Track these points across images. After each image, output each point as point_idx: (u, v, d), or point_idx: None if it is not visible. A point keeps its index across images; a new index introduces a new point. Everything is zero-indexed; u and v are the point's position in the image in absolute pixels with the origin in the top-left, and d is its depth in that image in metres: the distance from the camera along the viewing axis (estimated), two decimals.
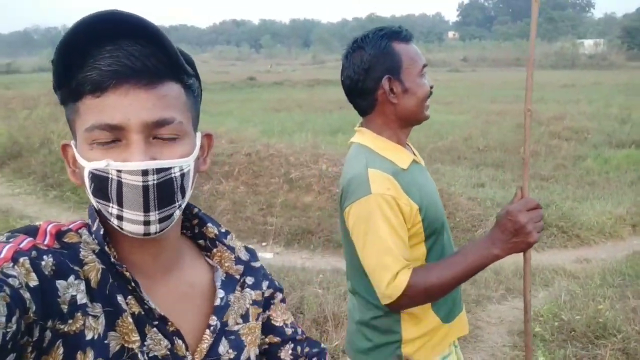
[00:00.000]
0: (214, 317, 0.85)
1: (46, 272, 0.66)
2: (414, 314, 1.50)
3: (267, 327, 0.97)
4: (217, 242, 0.92)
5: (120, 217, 0.72)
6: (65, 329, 0.67)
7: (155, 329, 0.76)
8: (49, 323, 0.65)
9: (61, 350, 0.66)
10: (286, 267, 4.86)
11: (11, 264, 0.64)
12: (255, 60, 61.38)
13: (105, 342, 0.71)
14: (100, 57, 0.69)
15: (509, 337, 3.66)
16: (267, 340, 0.96)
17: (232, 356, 0.85)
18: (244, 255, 0.95)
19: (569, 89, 20.27)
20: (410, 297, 1.37)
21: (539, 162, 8.92)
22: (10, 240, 0.69)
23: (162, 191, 0.72)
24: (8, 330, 0.57)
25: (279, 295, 0.99)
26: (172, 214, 0.75)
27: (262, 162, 7.33)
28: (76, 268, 0.70)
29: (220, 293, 0.87)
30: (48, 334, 0.65)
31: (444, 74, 31.24)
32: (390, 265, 1.36)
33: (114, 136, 0.71)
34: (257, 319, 0.92)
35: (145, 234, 0.73)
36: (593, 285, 4.26)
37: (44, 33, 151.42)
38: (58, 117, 9.87)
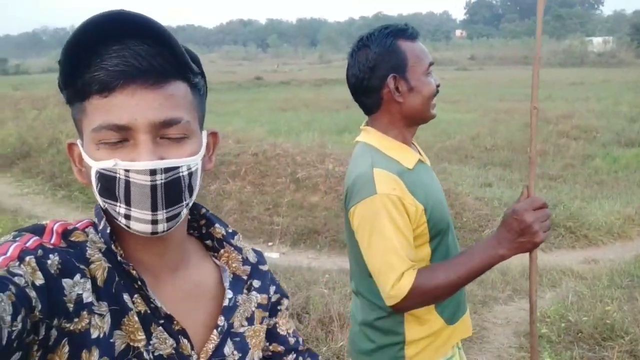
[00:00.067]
0: (222, 318, 0.85)
1: (52, 271, 0.67)
2: (417, 315, 1.49)
3: (272, 335, 0.96)
4: (225, 243, 0.92)
5: (128, 216, 0.72)
6: (71, 328, 0.67)
7: (161, 327, 0.77)
8: (55, 321, 0.65)
9: (67, 348, 0.67)
10: (292, 267, 4.87)
11: (17, 263, 0.64)
12: (262, 60, 61.43)
13: (111, 340, 0.71)
14: (107, 56, 0.69)
15: (515, 338, 3.65)
16: (270, 347, 0.96)
17: (236, 358, 0.85)
18: (252, 257, 0.95)
19: (578, 87, 20.13)
20: (415, 298, 1.37)
21: (547, 161, 8.87)
22: (17, 239, 0.69)
23: (170, 190, 0.72)
24: (14, 329, 0.57)
25: (285, 302, 1.00)
26: (179, 213, 0.75)
27: (269, 162, 7.34)
28: (82, 267, 0.71)
29: (229, 294, 0.87)
30: (54, 332, 0.65)
31: (452, 72, 31.11)
32: (396, 265, 1.35)
33: (121, 136, 0.71)
34: (261, 322, 0.92)
35: (152, 233, 0.73)
36: (601, 286, 4.23)
37: (53, 34, 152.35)
38: (67, 118, 9.92)
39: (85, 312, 0.69)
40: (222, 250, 0.92)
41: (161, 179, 0.71)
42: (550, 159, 9.02)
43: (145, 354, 0.74)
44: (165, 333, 0.77)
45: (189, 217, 0.90)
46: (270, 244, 5.72)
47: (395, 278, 1.35)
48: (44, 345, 0.64)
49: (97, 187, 0.73)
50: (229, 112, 14.40)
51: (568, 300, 3.98)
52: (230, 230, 0.93)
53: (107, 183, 0.72)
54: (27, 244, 0.68)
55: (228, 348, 0.85)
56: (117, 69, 0.69)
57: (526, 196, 1.36)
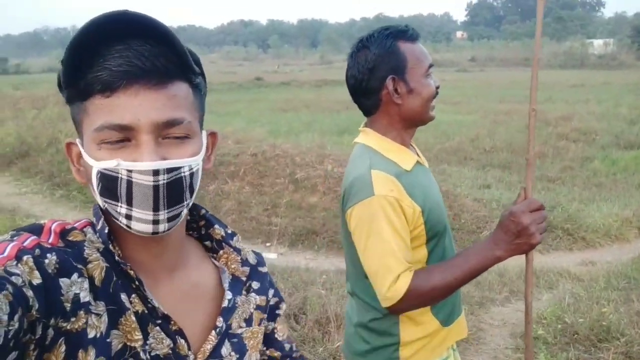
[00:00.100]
0: (221, 319, 0.85)
1: (49, 270, 0.67)
2: (412, 316, 1.49)
3: (270, 340, 0.97)
4: (224, 244, 0.92)
5: (129, 217, 0.72)
6: (68, 327, 0.67)
7: (158, 327, 0.77)
8: (52, 321, 0.65)
9: (63, 348, 0.67)
10: (290, 267, 4.87)
11: (15, 262, 0.64)
12: (263, 61, 61.43)
13: (108, 340, 0.71)
14: (110, 56, 0.70)
15: (511, 340, 3.65)
16: (267, 352, 0.96)
17: (234, 359, 0.85)
18: (252, 259, 0.95)
19: (578, 89, 20.13)
20: (412, 300, 1.37)
21: (546, 163, 8.88)
22: (15, 238, 0.69)
23: (172, 190, 0.73)
24: (10, 328, 0.57)
25: (283, 307, 1.00)
26: (180, 213, 0.76)
27: (268, 163, 7.34)
28: (80, 266, 0.71)
29: (228, 295, 0.87)
30: (50, 331, 0.65)
31: (452, 74, 31.11)
32: (392, 267, 1.35)
33: (123, 136, 0.71)
34: (259, 324, 0.92)
35: (153, 233, 0.74)
36: (597, 288, 4.23)
37: (54, 34, 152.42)
38: (66, 117, 9.92)
39: (82, 312, 0.69)
40: (221, 251, 0.92)
41: (164, 180, 0.71)
42: (549, 161, 9.02)
43: (142, 354, 0.74)
44: (162, 333, 0.77)
45: (188, 217, 0.90)
46: (268, 244, 5.72)
47: (391, 280, 1.35)
48: (41, 345, 0.64)
49: (97, 187, 0.73)
50: (230, 113, 14.41)
51: (565, 301, 3.98)
52: (229, 231, 0.93)
53: (109, 183, 0.72)
54: (25, 244, 0.68)
55: (226, 349, 0.85)
56: (120, 69, 0.69)
57: (523, 198, 1.36)
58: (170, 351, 0.77)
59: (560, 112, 12.79)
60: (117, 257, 0.75)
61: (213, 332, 0.84)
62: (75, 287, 0.69)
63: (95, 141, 0.72)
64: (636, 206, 6.41)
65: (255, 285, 0.93)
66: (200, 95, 0.80)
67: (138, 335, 0.74)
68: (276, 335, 0.98)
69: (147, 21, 0.71)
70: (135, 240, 0.78)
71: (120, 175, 0.71)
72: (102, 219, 0.78)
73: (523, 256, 1.39)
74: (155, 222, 0.73)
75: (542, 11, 1.34)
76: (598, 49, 46.17)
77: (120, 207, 0.72)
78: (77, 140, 0.77)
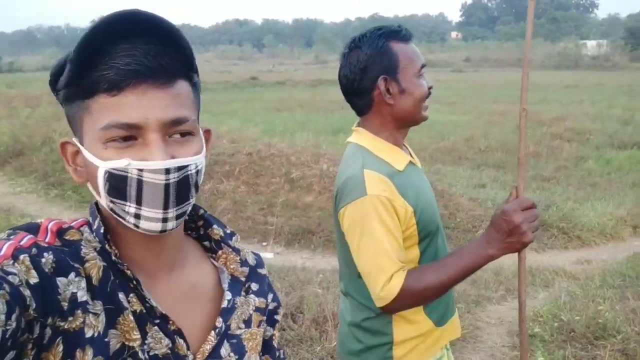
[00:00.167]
0: (220, 319, 0.85)
1: (46, 270, 0.66)
2: (405, 316, 1.49)
3: (268, 346, 0.96)
4: (223, 244, 0.91)
5: (137, 216, 0.72)
6: (65, 327, 0.67)
7: (156, 327, 0.76)
8: (49, 320, 0.65)
9: (61, 347, 0.66)
10: (286, 267, 4.87)
11: (11, 262, 0.64)
12: (258, 60, 61.37)
13: (106, 340, 0.70)
14: (116, 55, 0.69)
15: (508, 338, 3.66)
16: (263, 358, 0.96)
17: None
18: (251, 260, 0.95)
19: (572, 90, 20.24)
20: (405, 300, 1.37)
21: (541, 163, 8.92)
22: (11, 237, 0.68)
23: (181, 188, 0.73)
24: (8, 327, 0.57)
25: (281, 312, 1.00)
26: (186, 210, 0.76)
27: (263, 162, 7.33)
28: (77, 265, 0.70)
29: (228, 295, 0.87)
30: (48, 331, 0.65)
31: (447, 74, 31.20)
32: (386, 267, 1.35)
33: (130, 135, 0.71)
34: (258, 326, 0.92)
35: (161, 231, 0.74)
36: (593, 286, 4.25)
37: (47, 32, 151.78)
38: (60, 116, 9.87)
39: (79, 311, 0.68)
40: (220, 252, 0.91)
41: (174, 178, 0.72)
42: (543, 160, 9.07)
43: (140, 354, 0.73)
44: (160, 333, 0.76)
45: (186, 217, 0.90)
46: (264, 244, 5.71)
47: (385, 279, 1.35)
48: (38, 344, 0.64)
49: (104, 186, 0.72)
50: (224, 112, 14.38)
51: (561, 300, 4.00)
52: (228, 231, 0.93)
53: (118, 183, 0.71)
54: (22, 243, 0.68)
55: (224, 350, 0.84)
56: (128, 68, 0.69)
57: (515, 197, 1.37)
58: (169, 351, 0.77)
59: (555, 113, 12.87)
60: (113, 257, 0.75)
61: (212, 332, 0.83)
62: (72, 286, 0.68)
63: (100, 140, 0.71)
64: (630, 205, 6.45)
65: (254, 286, 0.93)
66: (198, 93, 0.80)
67: (136, 335, 0.73)
68: (273, 342, 0.98)
69: (154, 20, 0.71)
70: (135, 239, 0.78)
71: (130, 175, 0.70)
72: (98, 218, 0.77)
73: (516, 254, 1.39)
74: (164, 220, 0.73)
75: (532, 12, 1.35)
76: (592, 50, 46.46)
77: (129, 206, 0.72)
78: (74, 140, 0.77)
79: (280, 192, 6.65)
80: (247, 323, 0.90)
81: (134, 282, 0.75)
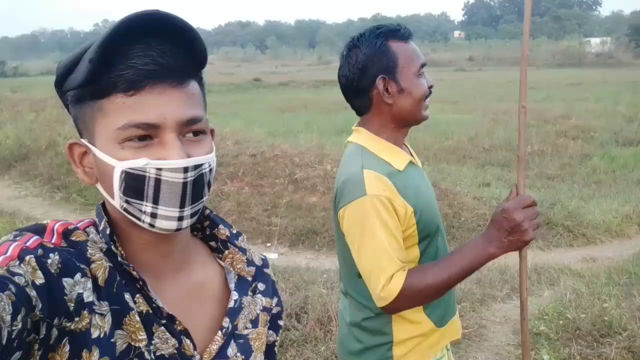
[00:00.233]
0: (227, 319, 0.85)
1: (52, 270, 0.66)
2: (405, 316, 1.48)
3: (271, 353, 0.97)
4: (229, 244, 0.92)
5: (154, 215, 0.72)
6: (72, 327, 0.67)
7: (162, 327, 0.76)
8: (55, 321, 0.65)
9: (67, 348, 0.67)
10: (291, 267, 4.87)
11: (17, 262, 0.64)
12: (261, 62, 61.40)
13: (112, 340, 0.71)
14: (133, 55, 0.70)
15: (513, 336, 3.65)
16: None
17: None
18: (258, 260, 0.95)
19: (576, 88, 20.17)
20: (406, 299, 1.36)
21: (545, 161, 8.89)
22: (17, 238, 0.69)
23: (196, 187, 0.74)
24: (14, 328, 0.57)
25: (283, 317, 1.00)
26: (200, 209, 0.77)
27: (267, 163, 7.34)
28: (83, 266, 0.70)
29: (235, 295, 0.87)
30: (54, 331, 0.65)
31: (450, 73, 31.14)
32: (386, 267, 1.35)
33: (147, 135, 0.71)
34: (265, 325, 0.92)
35: (177, 229, 0.74)
36: (599, 283, 4.23)
37: (51, 36, 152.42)
38: (65, 120, 9.93)
39: (85, 312, 0.69)
40: (226, 252, 0.91)
41: (191, 176, 0.72)
42: (548, 158, 9.04)
43: (146, 354, 0.73)
44: (167, 333, 0.76)
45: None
46: (268, 244, 5.71)
47: (385, 279, 1.34)
48: (45, 345, 0.64)
49: (120, 186, 0.72)
50: (228, 114, 14.41)
51: (566, 298, 3.98)
52: (234, 231, 0.93)
53: (135, 182, 0.71)
54: (28, 244, 0.68)
55: (232, 350, 0.84)
56: (147, 68, 0.69)
57: (515, 195, 1.36)
58: (175, 351, 0.77)
59: (559, 111, 12.84)
60: (119, 258, 0.75)
61: (219, 332, 0.83)
62: (78, 287, 0.69)
63: (116, 140, 0.71)
64: (636, 202, 6.42)
65: (261, 286, 0.93)
66: (205, 92, 0.81)
67: (142, 335, 0.74)
68: (275, 349, 0.98)
69: (172, 20, 0.71)
70: (144, 240, 0.78)
71: (148, 174, 0.70)
72: (105, 219, 0.77)
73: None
74: (180, 218, 0.73)
75: (530, 7, 1.34)
76: (595, 48, 46.29)
77: (146, 205, 0.72)
78: (83, 140, 0.76)
79: (284, 193, 6.66)
80: (254, 323, 0.90)
81: (140, 283, 0.75)
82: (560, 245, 5.49)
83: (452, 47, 65.76)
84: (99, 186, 0.77)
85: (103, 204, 0.80)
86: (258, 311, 0.91)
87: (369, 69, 1.46)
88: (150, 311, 0.76)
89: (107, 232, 0.76)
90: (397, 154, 1.50)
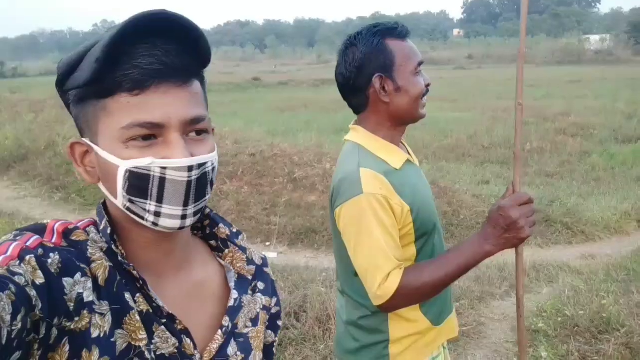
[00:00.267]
0: (227, 318, 0.85)
1: (52, 270, 0.67)
2: (401, 314, 1.48)
3: (269, 354, 0.97)
4: (229, 243, 0.92)
5: (158, 214, 0.73)
6: (72, 327, 0.67)
7: (163, 327, 0.76)
8: (55, 320, 0.65)
9: (67, 347, 0.67)
10: (290, 266, 4.87)
11: (17, 262, 0.64)
12: (260, 61, 61.39)
13: (112, 340, 0.71)
14: (138, 55, 0.70)
15: (512, 334, 3.65)
16: None
17: (239, 358, 0.85)
18: (257, 259, 0.95)
19: (575, 85, 20.16)
20: (403, 298, 1.36)
21: (545, 158, 8.89)
22: (18, 238, 0.69)
23: (199, 186, 0.74)
24: (13, 328, 0.57)
25: (282, 316, 1.00)
26: (203, 207, 0.77)
27: (266, 162, 7.34)
28: (83, 266, 0.71)
29: (235, 294, 0.88)
30: (54, 331, 0.65)
31: (450, 71, 31.15)
32: (382, 265, 1.35)
33: (151, 134, 0.72)
34: (264, 324, 0.93)
35: (180, 228, 0.74)
36: (597, 280, 4.23)
37: (50, 37, 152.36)
38: (64, 120, 9.94)
39: (85, 311, 0.69)
40: (226, 250, 0.92)
41: (195, 175, 0.73)
42: (547, 156, 9.03)
43: (147, 354, 0.74)
44: (167, 332, 0.76)
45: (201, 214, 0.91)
46: (267, 243, 5.72)
47: (382, 278, 1.34)
48: (45, 344, 0.64)
49: (124, 185, 0.72)
50: (227, 113, 14.39)
51: (565, 294, 3.98)
52: (234, 230, 0.94)
53: (139, 181, 0.71)
54: (28, 243, 0.68)
55: (232, 348, 0.85)
56: (152, 68, 0.70)
57: (511, 192, 1.36)
58: (175, 350, 0.77)
59: (558, 108, 12.83)
60: (120, 258, 0.75)
61: (219, 331, 0.84)
62: (78, 286, 0.69)
63: (120, 140, 0.71)
64: (635, 199, 6.42)
65: (260, 285, 0.94)
66: (206, 92, 0.82)
67: (143, 335, 0.74)
68: (274, 349, 0.98)
69: (178, 20, 0.71)
70: (146, 239, 0.78)
71: (152, 173, 0.71)
72: (106, 219, 0.77)
73: (521, 250, 1.38)
74: (184, 217, 0.74)
75: (526, 6, 1.34)
76: (595, 45, 46.27)
77: (150, 204, 0.72)
78: (84, 140, 0.76)
79: (284, 192, 6.66)
80: (254, 321, 0.90)
81: (141, 282, 0.75)
82: (559, 243, 5.49)
83: (452, 45, 65.73)
84: (101, 185, 0.77)
85: (104, 203, 0.80)
86: (258, 310, 0.91)
87: (366, 68, 1.46)
88: (151, 310, 0.76)
89: (108, 231, 0.76)
90: (393, 153, 1.50)
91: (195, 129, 0.75)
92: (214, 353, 0.82)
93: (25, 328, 0.59)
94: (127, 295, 0.74)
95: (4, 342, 0.56)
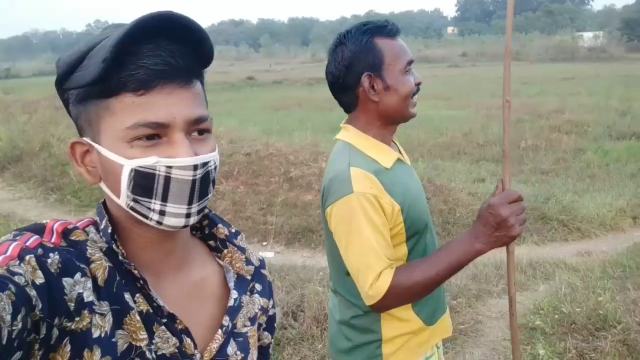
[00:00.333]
0: (227, 318, 0.85)
1: (52, 270, 0.67)
2: (394, 313, 1.48)
3: (266, 355, 0.97)
4: (228, 243, 0.92)
5: (162, 212, 0.73)
6: (72, 327, 0.67)
7: (163, 327, 0.77)
8: (56, 321, 0.65)
9: (68, 347, 0.67)
10: (287, 265, 4.87)
11: (17, 262, 0.64)
12: (255, 60, 61.26)
13: (113, 340, 0.71)
14: (142, 55, 0.70)
15: (509, 331, 3.63)
16: None
17: (239, 358, 0.86)
18: (256, 260, 0.96)
19: (569, 82, 20.22)
20: (394, 297, 1.36)
21: (539, 155, 8.91)
22: (17, 238, 0.69)
23: (203, 184, 0.75)
24: (14, 328, 0.57)
25: (277, 318, 1.01)
26: (206, 206, 0.78)
27: (262, 162, 7.33)
28: (82, 266, 0.71)
29: (234, 294, 0.88)
30: (55, 331, 0.65)
31: (444, 69, 31.19)
32: (374, 265, 1.35)
33: (155, 134, 0.72)
34: (260, 324, 0.94)
35: (184, 226, 0.75)
36: (593, 277, 4.25)
37: (43, 37, 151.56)
38: (58, 121, 9.90)
39: (86, 312, 0.69)
40: (225, 251, 0.92)
41: (200, 174, 0.74)
42: (542, 153, 9.06)
43: (147, 353, 0.74)
44: (167, 332, 0.77)
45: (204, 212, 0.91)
46: (264, 243, 5.71)
47: (373, 277, 1.34)
48: (46, 345, 0.64)
49: (129, 185, 0.72)
50: (222, 113, 14.35)
51: (561, 292, 4.00)
52: (233, 230, 0.94)
53: (144, 180, 0.72)
54: (27, 243, 0.68)
55: (231, 348, 0.85)
56: (157, 68, 0.70)
57: (501, 190, 1.36)
58: (176, 350, 0.77)
59: (552, 105, 12.86)
60: (120, 257, 0.75)
61: (219, 331, 0.84)
62: (78, 286, 0.69)
63: (125, 139, 0.72)
64: (630, 196, 6.45)
65: (258, 287, 0.94)
66: (206, 91, 0.82)
67: (143, 335, 0.74)
68: (270, 350, 0.99)
69: (184, 21, 0.72)
70: (147, 238, 0.78)
71: (157, 172, 0.71)
72: (106, 218, 0.77)
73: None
74: (188, 215, 0.74)
75: (512, 4, 1.34)
76: (588, 42, 46.49)
77: (154, 203, 0.73)
78: (85, 139, 0.76)
79: (280, 191, 6.65)
80: (252, 320, 0.91)
81: (141, 282, 0.76)
82: (555, 240, 5.51)
83: (446, 43, 65.85)
84: (102, 185, 0.77)
85: (104, 203, 0.80)
86: (256, 310, 0.92)
87: (355, 66, 1.45)
88: (151, 310, 0.76)
89: (109, 230, 0.76)
90: (384, 152, 1.50)
91: (198, 128, 0.76)
92: (214, 353, 0.83)
93: (25, 328, 0.59)
94: (127, 296, 0.74)
95: (4, 342, 0.56)
